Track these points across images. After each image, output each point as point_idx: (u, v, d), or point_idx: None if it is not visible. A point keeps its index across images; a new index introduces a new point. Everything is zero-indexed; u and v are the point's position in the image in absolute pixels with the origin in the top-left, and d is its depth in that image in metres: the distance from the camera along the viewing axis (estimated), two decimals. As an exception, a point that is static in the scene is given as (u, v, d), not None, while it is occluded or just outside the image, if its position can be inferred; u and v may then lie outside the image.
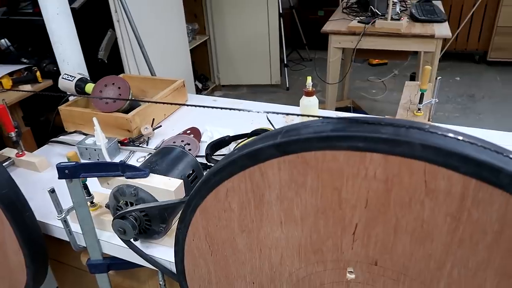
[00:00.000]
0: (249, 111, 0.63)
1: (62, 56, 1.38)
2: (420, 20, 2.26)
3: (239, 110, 0.56)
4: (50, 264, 1.26)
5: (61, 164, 0.77)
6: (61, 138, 1.30)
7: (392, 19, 2.14)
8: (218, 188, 0.55)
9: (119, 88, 1.27)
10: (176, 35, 2.92)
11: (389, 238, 0.48)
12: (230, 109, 0.61)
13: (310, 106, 1.20)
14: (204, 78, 3.81)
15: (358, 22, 2.29)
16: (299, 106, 1.47)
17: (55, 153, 1.24)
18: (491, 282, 0.45)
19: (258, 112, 0.64)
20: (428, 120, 1.24)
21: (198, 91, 3.67)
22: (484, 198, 0.40)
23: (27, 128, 2.09)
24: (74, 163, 0.77)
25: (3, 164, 1.16)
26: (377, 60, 4.14)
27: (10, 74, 1.99)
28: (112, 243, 0.88)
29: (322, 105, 3.02)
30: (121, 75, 1.55)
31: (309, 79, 1.18)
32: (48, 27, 1.37)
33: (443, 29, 2.17)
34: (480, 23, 3.90)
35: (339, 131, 0.44)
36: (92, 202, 0.91)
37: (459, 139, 0.40)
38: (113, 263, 0.91)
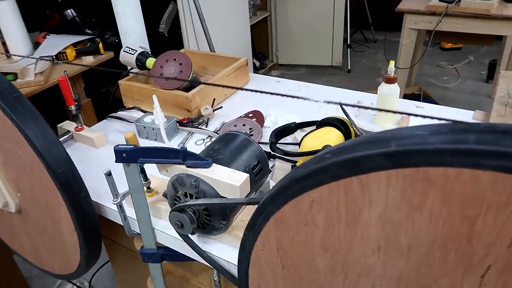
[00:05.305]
0: (317, 101, 0.52)
1: (124, 27, 1.33)
2: (515, 0, 1.98)
3: (315, 100, 0.45)
4: (103, 241, 1.25)
5: (120, 146, 0.70)
6: (120, 113, 1.26)
7: (481, -2, 1.89)
8: (301, 197, 0.45)
9: (180, 64, 1.20)
10: (237, 10, 2.82)
11: (537, 291, 0.35)
12: (303, 98, 0.50)
13: (390, 94, 1.05)
14: (262, 56, 3.69)
15: (440, 0, 2.05)
16: (364, 91, 1.33)
17: (113, 129, 1.20)
18: None
19: (329, 103, 0.52)
20: (531, 119, 1.05)
21: (256, 70, 3.57)
22: None
23: (87, 99, 2.11)
24: (133, 146, 0.70)
25: (62, 138, 1.14)
26: (450, 44, 3.79)
27: (74, 44, 1.99)
28: (167, 234, 0.82)
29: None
30: (182, 50, 1.48)
31: (391, 63, 1.03)
32: (112, -3, 1.32)
33: (542, 11, 1.88)
34: None
35: (488, 145, 0.32)
36: (148, 188, 0.85)
37: None
38: (167, 254, 0.85)
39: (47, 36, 2.07)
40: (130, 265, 1.20)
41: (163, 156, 0.71)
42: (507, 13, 1.89)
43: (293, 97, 0.42)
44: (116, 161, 0.71)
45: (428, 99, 2.87)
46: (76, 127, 1.13)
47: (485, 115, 1.09)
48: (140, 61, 1.25)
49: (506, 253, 0.35)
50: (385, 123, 1.08)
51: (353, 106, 0.53)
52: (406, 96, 2.85)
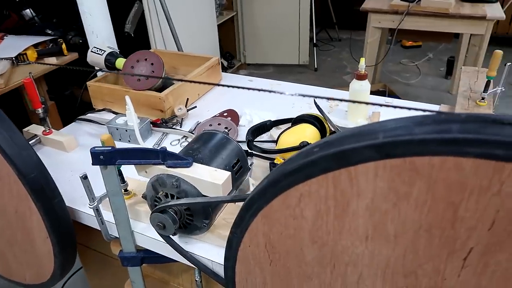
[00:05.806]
0: (305, 96, 0.53)
1: (91, 27, 1.29)
2: (470, 0, 2.08)
3: (303, 96, 0.46)
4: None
5: (96, 148, 0.68)
6: (90, 116, 1.22)
7: (440, -3, 1.98)
8: (289, 191, 0.45)
9: (152, 64, 1.18)
10: (203, 10, 2.80)
11: (516, 270, 0.38)
12: (291, 95, 0.51)
13: (361, 91, 1.08)
14: (230, 55, 3.68)
15: (402, 0, 2.12)
16: (331, 88, 1.36)
17: (83, 132, 1.16)
18: None
19: (303, 96, 0.53)
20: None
21: (224, 69, 3.56)
22: None
23: (51, 102, 2.03)
24: (110, 148, 0.69)
25: (30, 142, 1.09)
26: (410, 42, 3.93)
27: (35, 46, 1.91)
28: (146, 236, 0.80)
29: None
30: (151, 50, 1.45)
31: (362, 60, 1.06)
32: (77, -4, 1.28)
33: (495, 10, 1.99)
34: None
35: (471, 133, 0.33)
36: (126, 190, 0.84)
37: None
38: (147, 257, 0.83)
39: (5, 37, 1.97)
40: (105, 271, 1.17)
41: (142, 157, 0.70)
42: (463, 12, 1.99)
43: (281, 93, 0.42)
44: (93, 164, 0.69)
45: (392, 95, 2.96)
46: (43, 130, 1.09)
47: (450, 108, 1.15)
48: (109, 62, 1.22)
49: (487, 236, 0.37)
50: (357, 119, 1.11)
51: (330, 99, 0.54)
52: (371, 93, 2.92)
